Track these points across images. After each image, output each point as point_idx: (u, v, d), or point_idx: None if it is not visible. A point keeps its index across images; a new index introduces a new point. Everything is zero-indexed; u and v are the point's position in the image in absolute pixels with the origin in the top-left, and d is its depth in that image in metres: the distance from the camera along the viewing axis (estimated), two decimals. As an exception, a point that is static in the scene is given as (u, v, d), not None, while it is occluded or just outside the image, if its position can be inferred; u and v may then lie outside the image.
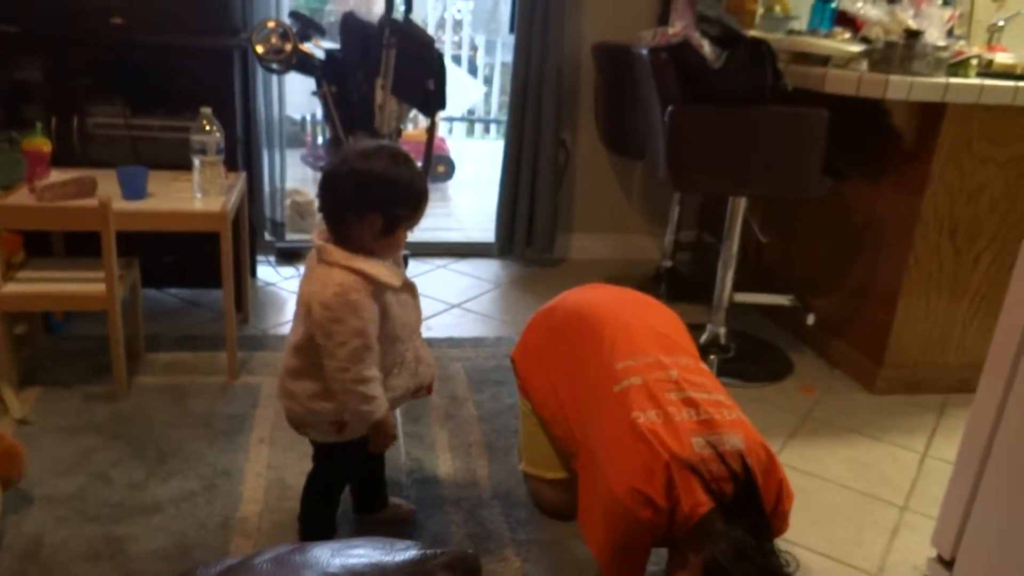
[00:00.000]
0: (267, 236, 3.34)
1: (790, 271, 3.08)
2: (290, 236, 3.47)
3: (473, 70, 6.95)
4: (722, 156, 2.29)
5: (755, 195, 2.62)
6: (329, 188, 1.39)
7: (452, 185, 5.42)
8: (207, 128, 2.19)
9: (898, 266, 2.46)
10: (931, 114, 2.31)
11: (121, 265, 2.15)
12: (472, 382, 2.40)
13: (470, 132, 7.32)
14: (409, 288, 1.50)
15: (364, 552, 0.69)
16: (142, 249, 2.38)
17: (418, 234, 3.95)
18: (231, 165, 2.52)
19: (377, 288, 1.38)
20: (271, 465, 1.92)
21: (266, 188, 3.24)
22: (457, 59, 6.89)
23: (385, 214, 1.36)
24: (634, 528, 1.36)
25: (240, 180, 2.45)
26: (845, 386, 2.61)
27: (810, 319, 2.69)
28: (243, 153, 2.83)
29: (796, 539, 1.81)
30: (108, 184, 2.19)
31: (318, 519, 1.62)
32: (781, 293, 2.87)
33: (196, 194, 2.24)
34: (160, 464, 1.90)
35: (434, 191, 5.26)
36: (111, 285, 2.04)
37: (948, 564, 1.65)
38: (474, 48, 6.97)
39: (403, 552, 0.70)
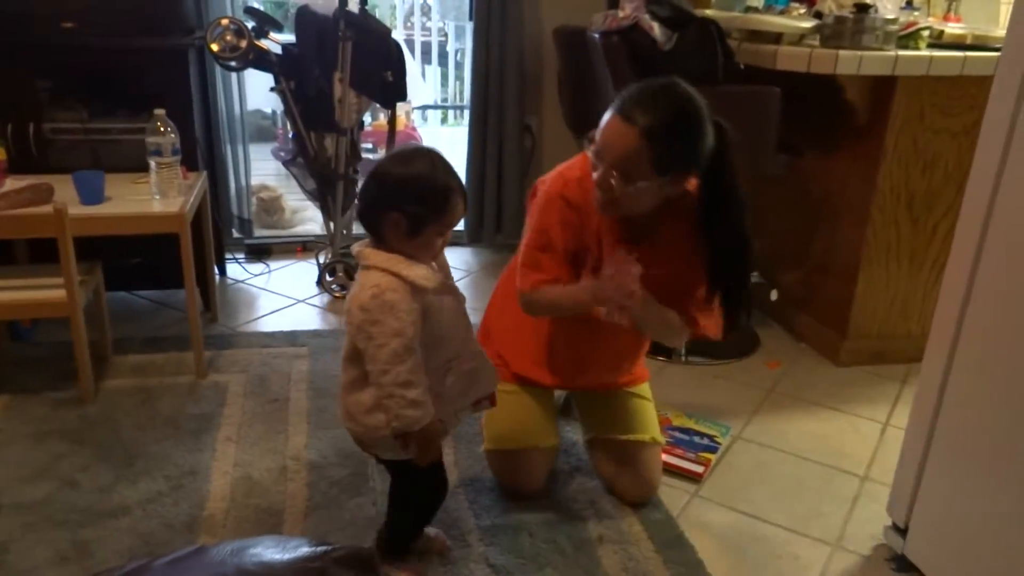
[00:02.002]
0: (235, 233, 3.34)
1: (756, 247, 3.10)
2: (259, 232, 3.48)
3: (443, 56, 6.93)
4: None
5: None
6: (360, 191, 1.38)
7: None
8: (161, 130, 2.19)
9: (857, 239, 2.49)
10: (883, 87, 2.33)
11: (83, 270, 2.15)
12: (440, 371, 2.41)
13: (444, 119, 7.30)
14: (450, 291, 1.44)
15: (258, 551, 0.71)
16: (107, 252, 2.39)
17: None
18: (191, 165, 2.52)
19: (415, 289, 1.33)
20: (238, 462, 1.94)
21: (231, 185, 3.24)
22: (428, 46, 6.87)
23: (404, 213, 1.31)
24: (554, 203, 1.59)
25: (200, 180, 2.45)
26: (810, 359, 2.65)
27: (773, 295, 2.72)
28: (205, 151, 2.82)
29: (757, 513, 1.85)
30: (66, 189, 2.19)
31: (402, 536, 1.56)
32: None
33: (154, 196, 2.24)
34: (127, 467, 1.91)
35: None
36: (71, 291, 2.04)
37: (902, 531, 1.68)
38: (444, 35, 6.94)
39: (295, 550, 0.71)
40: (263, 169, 4.73)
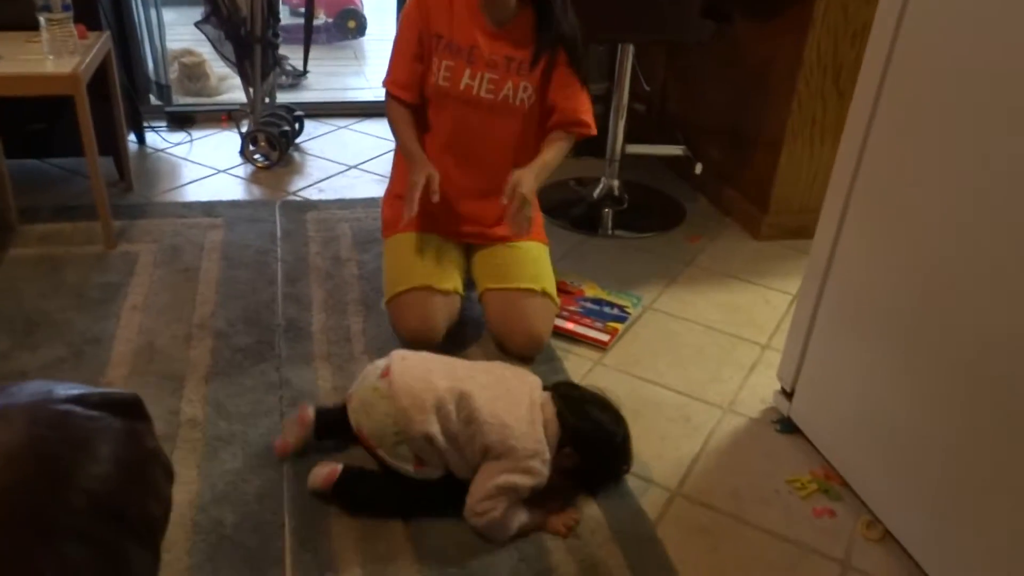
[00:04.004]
0: (153, 100, 3.21)
1: (690, 121, 3.07)
2: (180, 100, 3.34)
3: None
4: (598, 2, 2.21)
5: (634, 40, 2.56)
6: (594, 455, 1.52)
7: (367, 42, 5.21)
8: (48, -18, 2.05)
9: (782, 112, 2.46)
10: (815, -50, 2.24)
11: (-25, 134, 2.06)
12: (357, 242, 2.40)
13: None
14: None
15: (6, 393, 0.71)
16: (9, 117, 2.28)
17: (323, 94, 3.86)
18: (92, 24, 2.39)
19: None
20: (142, 330, 1.93)
21: (147, 49, 3.08)
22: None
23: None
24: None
25: (100, 40, 2.32)
26: (732, 234, 2.66)
27: (697, 168, 2.71)
28: (110, 10, 2.66)
29: (656, 379, 1.90)
30: (-50, 47, 2.06)
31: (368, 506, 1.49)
32: (684, 143, 2.87)
33: (47, 56, 2.12)
34: (27, 335, 1.89)
35: (344, 48, 5.08)
36: (-41, 155, 1.96)
37: (789, 395, 1.74)
38: None
39: (43, 391, 0.71)
40: (195, 33, 4.50)
